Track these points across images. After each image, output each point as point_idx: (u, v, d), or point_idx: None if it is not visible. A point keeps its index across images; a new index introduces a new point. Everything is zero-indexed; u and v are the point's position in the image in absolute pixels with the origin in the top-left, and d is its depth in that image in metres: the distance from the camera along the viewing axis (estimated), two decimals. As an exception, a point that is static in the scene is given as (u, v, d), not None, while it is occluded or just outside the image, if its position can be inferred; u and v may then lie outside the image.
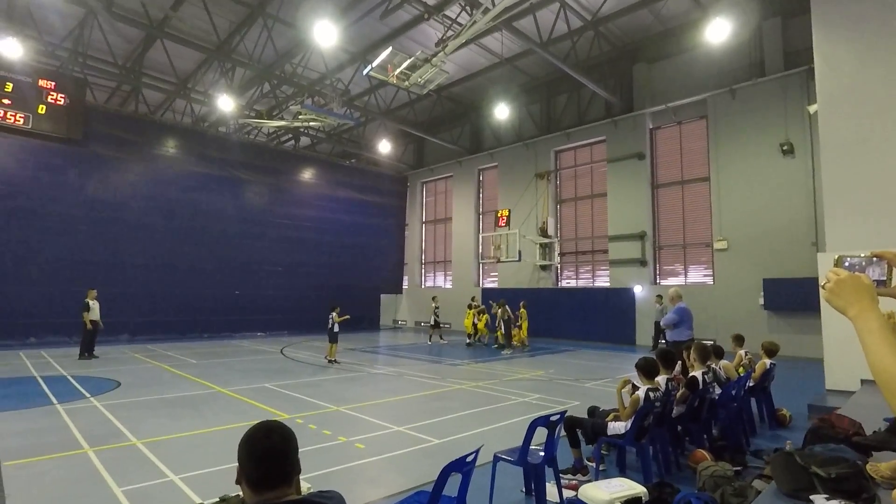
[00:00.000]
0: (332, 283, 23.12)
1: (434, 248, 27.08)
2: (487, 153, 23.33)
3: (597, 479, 4.37)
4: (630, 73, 18.44)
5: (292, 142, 24.87)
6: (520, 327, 16.86)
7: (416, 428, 6.55)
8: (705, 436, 5.33)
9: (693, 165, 17.23)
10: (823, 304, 6.41)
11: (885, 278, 1.31)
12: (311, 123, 18.04)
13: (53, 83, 15.70)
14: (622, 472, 4.83)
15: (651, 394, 4.41)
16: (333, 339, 12.51)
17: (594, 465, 4.71)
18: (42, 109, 15.43)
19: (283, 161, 23.17)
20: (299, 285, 22.16)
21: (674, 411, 5.01)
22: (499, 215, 20.94)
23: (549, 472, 4.19)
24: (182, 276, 19.08)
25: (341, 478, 4.83)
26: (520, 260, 19.47)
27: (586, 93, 19.44)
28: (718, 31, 13.17)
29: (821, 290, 1.26)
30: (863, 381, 6.73)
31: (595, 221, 19.81)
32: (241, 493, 1.61)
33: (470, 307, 18.17)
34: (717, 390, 5.58)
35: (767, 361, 6.79)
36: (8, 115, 14.85)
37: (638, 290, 17.63)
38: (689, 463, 4.87)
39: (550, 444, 4.11)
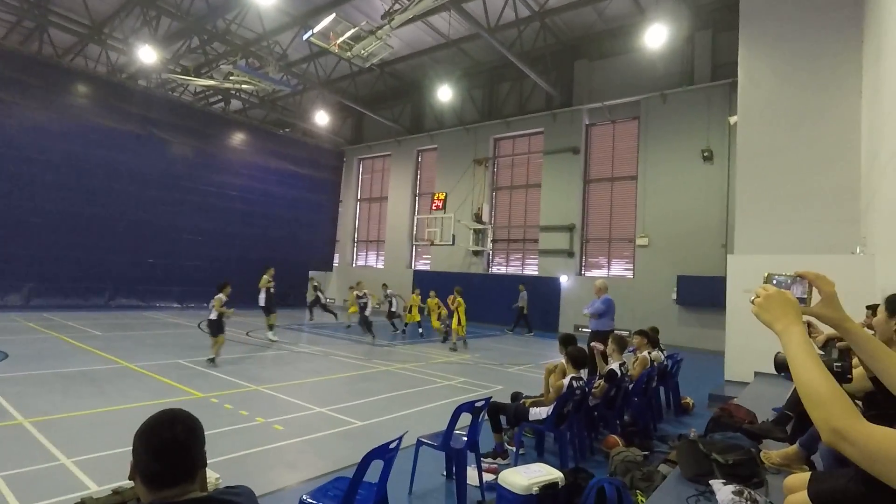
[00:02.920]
0: (258, 256, 22.04)
1: (368, 227, 26.63)
2: (427, 134, 23.11)
3: (516, 464, 4.48)
4: (571, 69, 18.86)
5: (222, 104, 23.33)
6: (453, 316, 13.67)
7: (339, 410, 6.43)
8: (618, 422, 5.61)
9: (623, 163, 18.00)
10: (730, 301, 6.92)
11: (805, 296, 1.39)
12: (244, 86, 16.99)
13: (-64, 9, 13.64)
14: (540, 455, 5.00)
15: (574, 383, 4.56)
16: (216, 330, 9.19)
17: (514, 448, 4.82)
18: (-79, 38, 13.38)
19: (210, 124, 21.64)
20: (222, 256, 20.96)
21: (590, 400, 5.23)
22: (435, 198, 20.88)
23: (470, 456, 4.23)
24: (88, 239, 17.40)
25: (257, 461, 4.63)
26: (453, 244, 19.58)
27: (529, 83, 19.67)
28: (655, 37, 13.75)
29: (750, 304, 1.33)
30: (756, 374, 7.36)
31: (528, 211, 20.26)
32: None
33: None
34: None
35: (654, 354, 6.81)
36: None
37: (564, 279, 18.30)
38: (602, 447, 5.11)
39: (474, 429, 4.15)
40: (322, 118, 21.13)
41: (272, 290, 12.08)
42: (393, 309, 15.81)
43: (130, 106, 18.77)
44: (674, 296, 15.66)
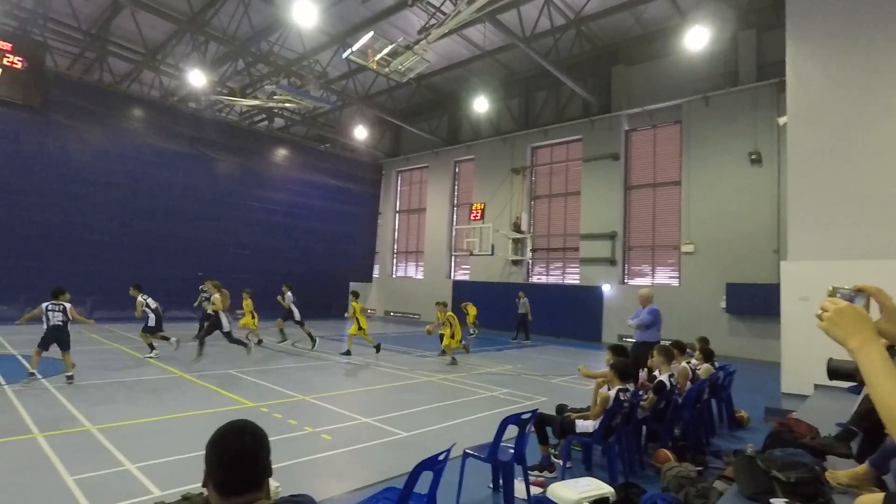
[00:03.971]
0: (300, 269, 22.72)
1: (407, 238, 26.92)
2: (464, 145, 23.25)
3: (563, 477, 4.42)
4: (609, 74, 18.63)
5: (266, 122, 24.22)
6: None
7: (384, 420, 6.50)
8: (668, 436, 5.45)
9: (665, 169, 17.57)
10: (784, 309, 6.60)
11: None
12: (287, 105, 17.56)
13: (10, 45, 14.79)
14: (588, 469, 4.91)
15: (622, 395, 4.47)
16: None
17: (561, 461, 4.75)
18: (-2, 72, 14.54)
19: (255, 141, 22.53)
20: (266, 269, 21.63)
21: (639, 413, 5.11)
22: (473, 208, 20.93)
23: (517, 469, 4.20)
24: (143, 255, 18.36)
25: (306, 470, 4.74)
26: (492, 254, 19.56)
27: (565, 91, 19.54)
28: (696, 39, 13.41)
29: (817, 319, 1.25)
30: (816, 386, 7.01)
31: (568, 219, 20.02)
32: (205, 492, 1.53)
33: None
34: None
35: (705, 366, 6.61)
36: (-41, 76, 13.94)
37: (607, 288, 17.94)
38: (652, 462, 4.97)
39: (520, 442, 4.12)
40: (361, 132, 21.59)
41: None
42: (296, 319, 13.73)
43: (181, 127, 19.78)
44: (723, 304, 15.08)
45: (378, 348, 12.39)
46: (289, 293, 14.02)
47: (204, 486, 1.47)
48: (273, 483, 2.82)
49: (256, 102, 18.28)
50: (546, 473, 4.69)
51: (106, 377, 8.37)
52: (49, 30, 16.06)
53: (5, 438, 5.14)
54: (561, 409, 5.20)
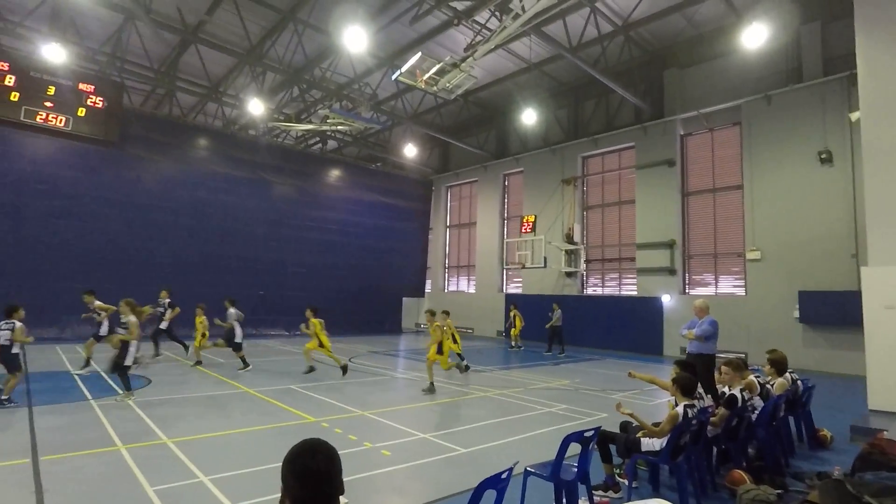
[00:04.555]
0: (355, 286, 23.29)
1: (458, 253, 27.04)
2: (513, 158, 23.21)
3: (630, 497, 4.25)
4: (661, 79, 18.13)
5: (319, 145, 25.17)
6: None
7: (442, 436, 6.50)
8: (742, 456, 5.14)
9: (725, 173, 16.82)
10: (868, 318, 6.14)
11: None
12: (339, 127, 18.19)
13: (93, 87, 16.17)
14: (656, 490, 4.70)
15: (689, 411, 4.27)
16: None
17: (626, 481, 4.58)
18: (82, 112, 15.90)
19: (309, 164, 23.46)
20: (323, 287, 22.30)
21: (709, 430, 4.85)
22: (524, 221, 20.78)
23: (581, 488, 4.09)
24: (209, 276, 19.38)
25: (367, 486, 4.80)
26: (545, 266, 19.29)
27: (615, 98, 19.18)
28: (754, 36, 12.81)
29: None
30: (909, 403, 6.43)
31: (622, 228, 19.49)
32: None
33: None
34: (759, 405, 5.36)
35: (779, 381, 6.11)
36: (50, 118, 15.36)
37: (666, 299, 17.26)
38: (725, 483, 4.70)
39: (584, 460, 4.01)
40: (410, 150, 22.01)
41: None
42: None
43: (242, 153, 20.90)
44: (796, 314, 14.14)
45: (345, 369, 10.88)
46: (232, 309, 12.31)
47: (281, 502, 1.53)
48: (342, 500, 2.88)
49: (311, 127, 19.06)
50: (611, 493, 4.54)
51: (178, 392, 8.84)
52: (125, 70, 17.46)
53: (95, 450, 5.52)
54: (625, 426, 5.02)
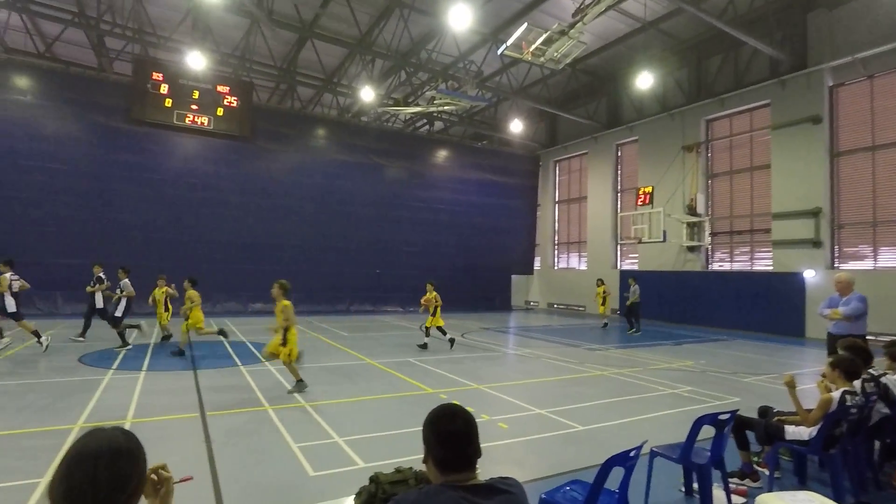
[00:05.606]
0: (464, 264, 23.75)
1: (568, 229, 26.29)
2: (626, 127, 21.85)
3: (771, 488, 3.91)
4: (803, 23, 15.83)
5: (426, 126, 25.70)
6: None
7: (558, 412, 6.45)
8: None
9: (889, 127, 14.37)
10: None
11: None
12: (446, 107, 18.42)
13: (228, 88, 18.00)
14: (801, 482, 4.29)
15: (848, 398, 3.78)
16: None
17: (766, 470, 4.22)
18: (220, 112, 17.81)
19: (417, 146, 24.13)
20: (434, 265, 23.02)
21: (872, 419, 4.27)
22: (640, 192, 19.58)
23: (714, 474, 3.84)
24: (330, 256, 20.98)
25: (487, 457, 4.83)
26: (664, 240, 18.08)
27: (746, 51, 17.16)
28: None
29: None
30: None
31: (755, 197, 17.57)
32: (423, 468, 1.69)
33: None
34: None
35: None
36: (196, 119, 17.40)
37: (810, 274, 15.33)
38: (893, 483, 4.13)
39: (718, 444, 3.75)
40: (516, 126, 21.66)
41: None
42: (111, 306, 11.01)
43: (355, 139, 22.09)
44: (985, 291, 11.83)
45: (180, 350, 9.86)
46: (126, 279, 10.89)
47: (424, 462, 1.62)
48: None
49: (418, 109, 19.51)
50: (748, 482, 4.20)
51: (310, 362, 9.72)
52: (253, 70, 19.16)
53: (248, 409, 6.31)
54: (764, 411, 4.59)
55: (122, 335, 10.47)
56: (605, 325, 17.12)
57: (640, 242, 19.43)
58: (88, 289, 10.94)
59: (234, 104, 18.07)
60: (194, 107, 17.38)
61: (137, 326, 11.05)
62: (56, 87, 16.82)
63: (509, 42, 12.85)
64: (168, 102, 17.04)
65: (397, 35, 16.97)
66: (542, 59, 12.97)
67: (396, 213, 22.70)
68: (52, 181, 16.47)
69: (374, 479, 2.93)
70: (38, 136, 16.43)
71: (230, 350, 10.73)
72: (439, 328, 11.71)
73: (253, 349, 10.90)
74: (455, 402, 1.68)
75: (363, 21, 17.00)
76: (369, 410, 6.43)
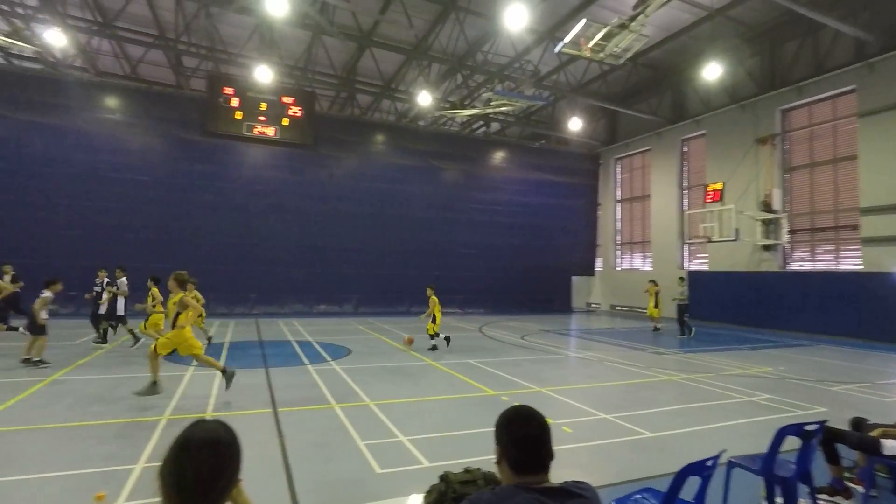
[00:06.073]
0: (522, 265, 23.55)
1: (631, 228, 25.41)
2: (693, 121, 20.86)
3: (867, 506, 3.61)
4: (893, 0, 14.50)
5: (483, 128, 25.68)
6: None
7: (624, 418, 6.26)
8: None
9: None
10: None
11: None
12: (503, 108, 18.34)
13: (293, 98, 18.78)
14: (902, 502, 3.92)
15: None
16: (37, 330, 8.74)
17: (861, 487, 3.89)
18: (286, 122, 18.61)
19: (474, 148, 24.17)
20: (491, 266, 23.03)
21: None
22: (709, 189, 18.62)
23: (801, 488, 3.59)
24: (390, 259, 21.43)
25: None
26: (737, 239, 17.10)
27: (826, 34, 15.94)
28: None
29: None
30: None
31: (840, 191, 16.26)
32: (491, 469, 1.70)
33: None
34: None
35: None
36: (264, 130, 18.30)
37: (905, 274, 14.00)
38: None
39: (804, 457, 3.51)
40: (575, 124, 21.20)
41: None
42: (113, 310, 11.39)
43: (412, 144, 22.46)
44: None
45: (135, 340, 10.71)
46: (123, 278, 11.30)
47: (497, 463, 1.63)
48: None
49: (475, 111, 19.56)
50: (840, 499, 3.90)
51: (373, 361, 9.97)
52: (315, 80, 19.91)
53: (316, 406, 6.56)
54: (858, 423, 4.24)
55: (104, 333, 11.19)
56: (656, 328, 16.38)
57: (709, 242, 18.47)
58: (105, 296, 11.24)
59: (299, 114, 18.83)
60: (262, 118, 18.27)
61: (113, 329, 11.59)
62: (140, 104, 18.30)
63: (567, 39, 12.60)
64: (238, 115, 18.02)
65: (453, 38, 17.08)
66: (601, 54, 12.63)
67: (454, 216, 22.86)
68: (135, 192, 17.94)
69: (445, 479, 2.96)
70: (122, 150, 18.04)
71: (298, 350, 11.19)
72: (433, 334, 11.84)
73: (320, 350, 11.31)
74: (528, 405, 1.67)
75: (419, 26, 17.24)
76: (432, 411, 6.50)
